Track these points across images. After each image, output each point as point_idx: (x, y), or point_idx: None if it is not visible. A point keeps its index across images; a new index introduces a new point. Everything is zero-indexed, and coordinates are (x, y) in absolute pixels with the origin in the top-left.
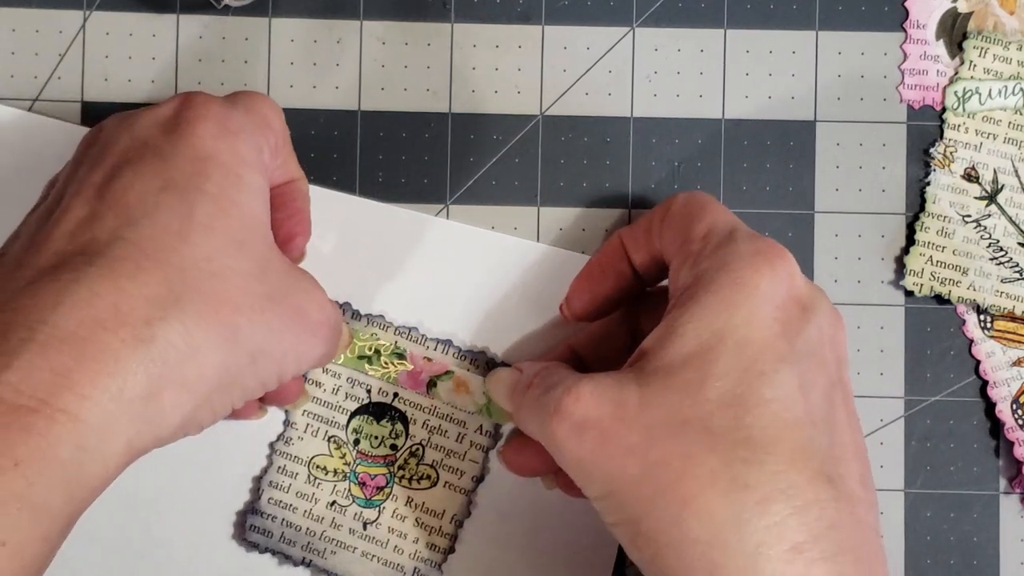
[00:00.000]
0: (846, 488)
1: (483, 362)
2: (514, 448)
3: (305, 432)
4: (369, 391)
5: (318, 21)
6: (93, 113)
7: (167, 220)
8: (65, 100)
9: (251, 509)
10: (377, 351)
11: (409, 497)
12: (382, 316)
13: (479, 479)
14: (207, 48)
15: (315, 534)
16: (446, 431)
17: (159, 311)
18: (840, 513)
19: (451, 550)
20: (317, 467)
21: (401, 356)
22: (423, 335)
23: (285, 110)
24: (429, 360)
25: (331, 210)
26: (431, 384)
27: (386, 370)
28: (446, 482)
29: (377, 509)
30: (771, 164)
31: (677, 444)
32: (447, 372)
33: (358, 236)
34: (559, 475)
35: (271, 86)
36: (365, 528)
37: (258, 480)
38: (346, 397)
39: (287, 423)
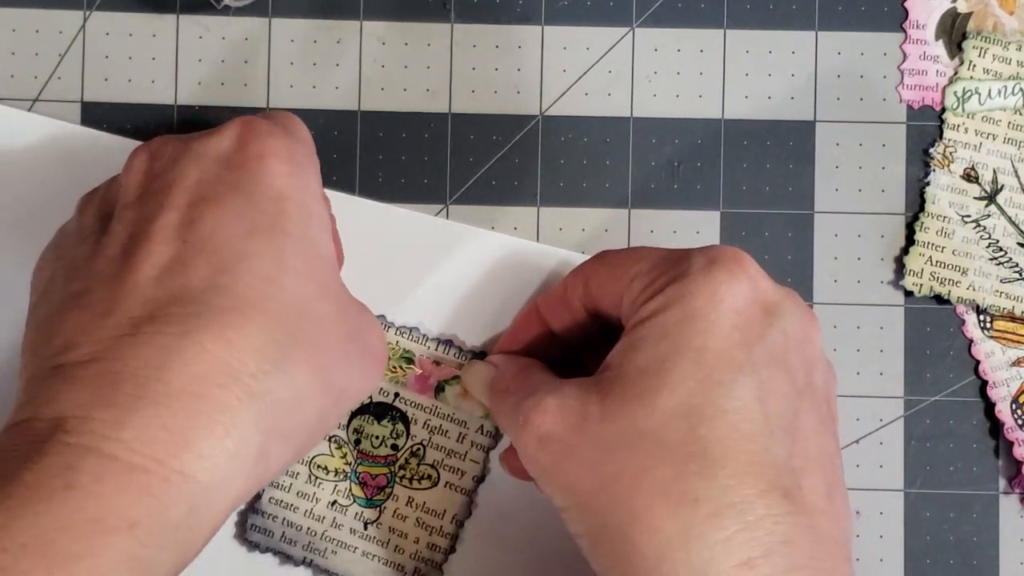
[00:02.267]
0: (805, 501)
1: None
2: (516, 453)
3: None
4: None
5: (318, 21)
6: (93, 113)
7: (260, 266)
8: (65, 100)
9: (252, 508)
10: None
11: (410, 497)
12: (383, 316)
13: (480, 479)
14: (207, 48)
15: (316, 534)
16: (447, 431)
17: (267, 363)
18: (796, 528)
19: (452, 550)
20: (318, 467)
21: (410, 360)
22: (424, 335)
23: (285, 110)
24: (438, 364)
25: (331, 210)
26: (439, 389)
27: (394, 374)
28: (447, 482)
29: (378, 509)
30: (771, 164)
31: (631, 457)
32: (455, 377)
33: (358, 236)
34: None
35: (271, 86)
36: (366, 528)
37: None
38: None
39: None
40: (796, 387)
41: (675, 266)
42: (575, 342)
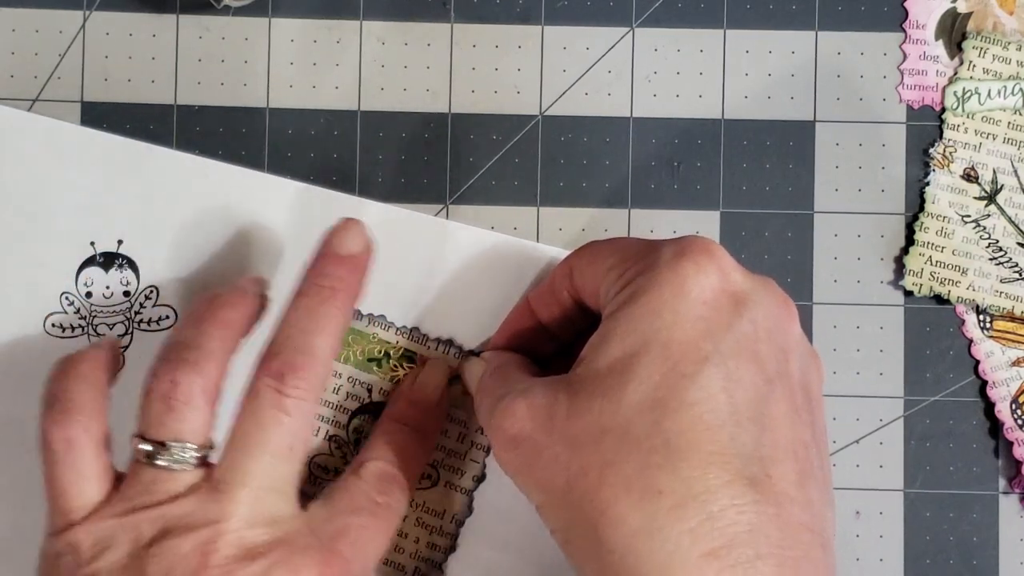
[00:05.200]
0: (773, 489)
1: None
2: None
3: None
4: (370, 390)
5: (318, 21)
6: (93, 113)
7: None
8: (65, 100)
9: None
10: (387, 354)
11: (410, 497)
12: (383, 316)
13: (480, 479)
14: (207, 48)
15: None
16: (447, 431)
17: None
18: (761, 516)
19: (452, 549)
20: (319, 467)
21: (411, 360)
22: (424, 335)
23: (285, 110)
24: None
25: (331, 210)
26: None
27: (395, 373)
28: (447, 482)
29: None
30: (771, 164)
31: (597, 453)
32: (455, 377)
33: None
34: None
35: (271, 86)
36: None
37: None
38: (347, 397)
39: None
40: (766, 376)
41: (644, 257)
42: (564, 335)
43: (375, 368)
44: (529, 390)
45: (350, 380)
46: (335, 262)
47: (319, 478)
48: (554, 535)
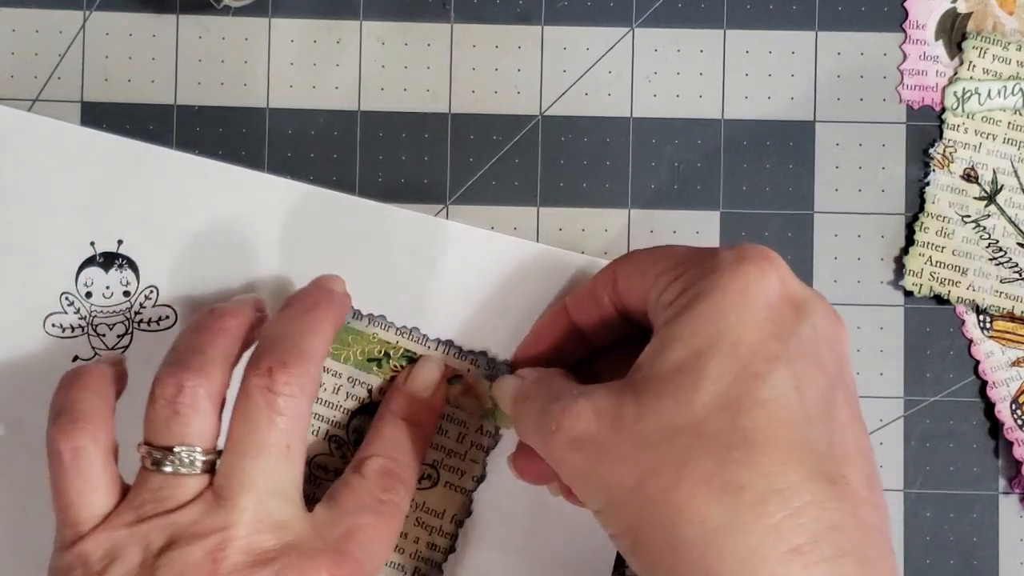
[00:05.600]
0: (848, 489)
1: (484, 363)
2: (525, 456)
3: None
4: (370, 391)
5: (318, 21)
6: (93, 113)
7: None
8: (65, 100)
9: None
10: (387, 354)
11: (412, 493)
12: (383, 316)
13: (480, 479)
14: (207, 48)
15: None
16: (446, 431)
17: None
18: (840, 514)
19: (451, 549)
20: (318, 467)
21: (411, 360)
22: (424, 335)
23: (285, 110)
24: None
25: (331, 210)
26: None
27: (396, 373)
28: (446, 482)
29: None
30: (771, 164)
31: (671, 451)
32: (456, 376)
33: (357, 236)
34: (561, 483)
35: (271, 86)
36: None
37: None
38: (347, 397)
39: None
40: (829, 380)
41: (703, 262)
42: (599, 341)
43: (375, 368)
44: (590, 392)
45: (350, 380)
46: (319, 286)
47: (319, 478)
48: (617, 539)
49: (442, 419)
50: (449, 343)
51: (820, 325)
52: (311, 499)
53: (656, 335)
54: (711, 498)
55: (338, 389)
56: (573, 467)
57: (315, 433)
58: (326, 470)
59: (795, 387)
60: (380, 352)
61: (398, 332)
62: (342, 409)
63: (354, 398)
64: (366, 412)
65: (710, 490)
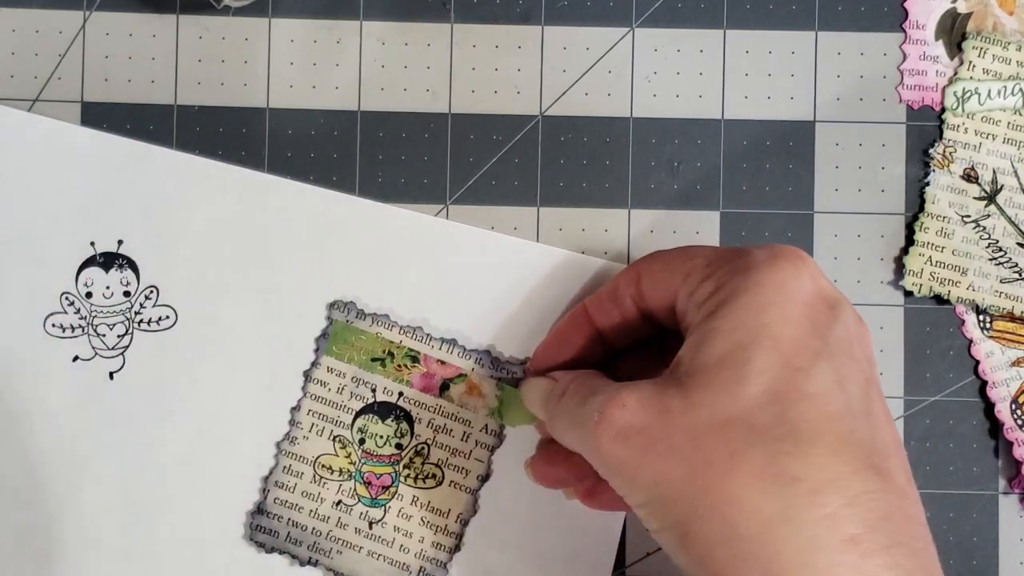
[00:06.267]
0: (894, 481)
1: (488, 361)
2: (544, 460)
3: (310, 432)
4: (374, 390)
5: (318, 21)
6: (93, 113)
7: None
8: (65, 100)
9: (258, 510)
10: (391, 353)
11: (415, 496)
12: (387, 315)
13: (484, 478)
14: (207, 48)
15: (321, 534)
16: (451, 430)
17: None
18: (890, 505)
19: (457, 549)
20: (323, 466)
21: (415, 359)
22: (428, 334)
23: (285, 110)
24: (442, 363)
25: (331, 210)
26: (444, 387)
27: (399, 373)
28: (452, 481)
29: (383, 508)
30: (771, 164)
31: (721, 443)
32: (460, 375)
33: (358, 237)
34: (581, 486)
35: (271, 86)
36: (371, 527)
37: (264, 480)
38: (351, 396)
39: (292, 423)
40: (865, 376)
41: (736, 259)
42: (619, 343)
43: (379, 368)
44: (633, 384)
45: (354, 380)
46: None
47: (324, 478)
48: (662, 533)
49: (447, 418)
50: (452, 342)
51: (851, 324)
52: (316, 498)
53: (694, 331)
54: (765, 489)
55: (342, 389)
56: (618, 460)
57: (319, 433)
58: (331, 470)
59: (836, 382)
60: (384, 351)
61: (401, 331)
62: (346, 409)
63: (358, 398)
64: (370, 412)
65: (763, 481)
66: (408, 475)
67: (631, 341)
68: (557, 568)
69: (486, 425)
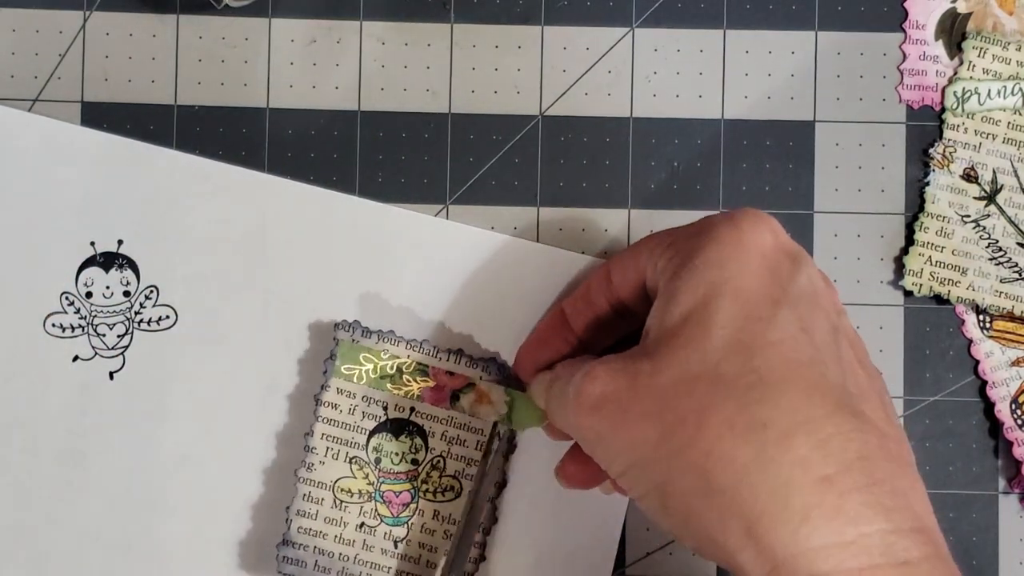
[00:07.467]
0: (871, 422)
1: (495, 369)
2: (572, 462)
3: (326, 456)
4: (385, 408)
5: (318, 21)
6: (93, 113)
7: None
8: (65, 100)
9: (283, 541)
10: (399, 369)
11: (435, 510)
12: (392, 332)
13: (501, 485)
14: (207, 48)
15: (348, 558)
16: (465, 440)
17: None
18: (867, 445)
19: (482, 558)
20: (342, 490)
21: (424, 373)
22: (434, 347)
23: (285, 110)
24: (451, 374)
25: (331, 210)
26: (454, 398)
27: (409, 388)
28: (469, 491)
29: (405, 526)
30: (770, 164)
31: (691, 399)
32: (468, 384)
33: (358, 236)
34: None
35: (271, 86)
36: (396, 546)
37: (287, 510)
38: (363, 416)
39: (307, 449)
40: (832, 324)
41: (698, 229)
42: (595, 344)
43: (388, 385)
44: (605, 358)
45: (365, 399)
46: None
47: (344, 502)
48: (644, 499)
49: (459, 429)
50: (459, 352)
51: (815, 277)
52: (338, 523)
53: (660, 295)
54: (737, 438)
55: (353, 409)
56: (595, 431)
57: (335, 456)
58: (350, 492)
59: (801, 329)
60: (392, 368)
61: (408, 346)
62: (360, 429)
63: (370, 417)
64: (384, 430)
65: (735, 431)
66: (427, 490)
67: (610, 340)
68: (557, 568)
69: (499, 433)
